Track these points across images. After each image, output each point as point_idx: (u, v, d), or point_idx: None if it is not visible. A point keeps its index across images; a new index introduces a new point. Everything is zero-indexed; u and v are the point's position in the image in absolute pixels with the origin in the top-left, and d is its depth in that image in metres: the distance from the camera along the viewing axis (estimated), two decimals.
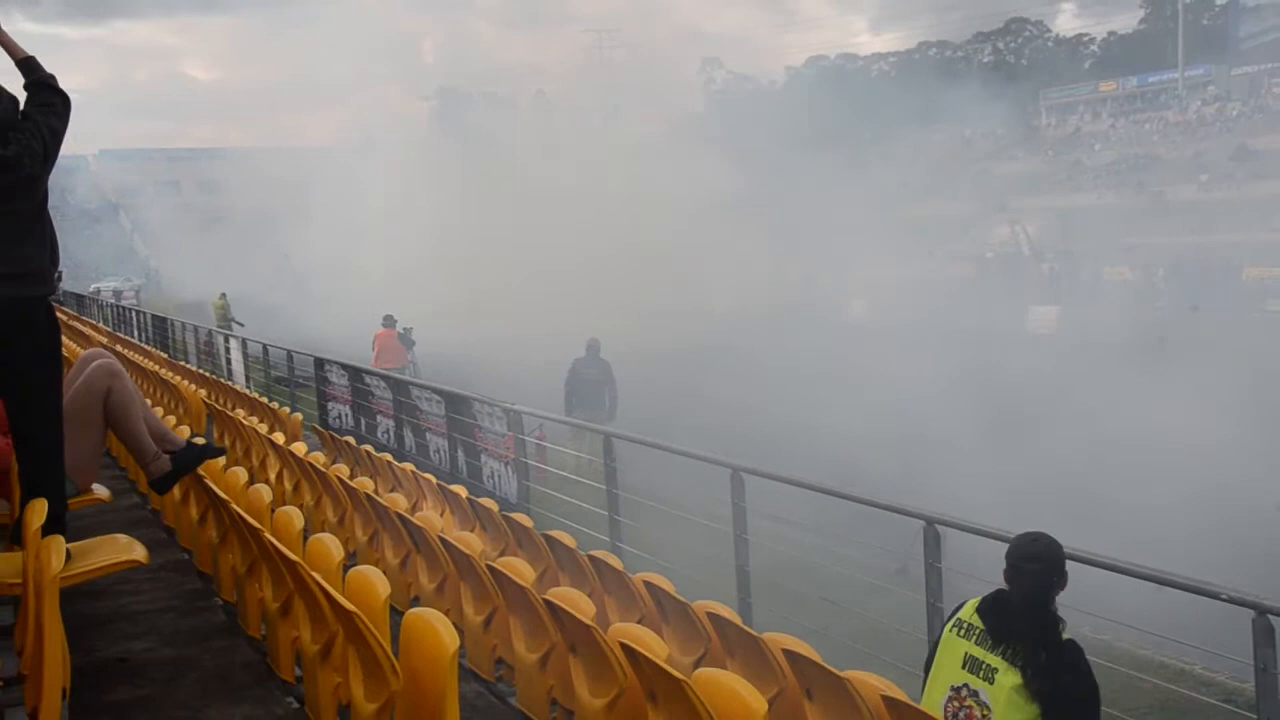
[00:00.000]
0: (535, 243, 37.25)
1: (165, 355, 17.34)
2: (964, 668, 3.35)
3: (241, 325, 26.20)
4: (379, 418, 12.87)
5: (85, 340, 15.00)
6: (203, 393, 10.76)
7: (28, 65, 3.75)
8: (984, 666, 3.31)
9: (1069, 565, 3.46)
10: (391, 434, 12.45)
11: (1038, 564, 3.37)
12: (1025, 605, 3.32)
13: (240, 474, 5.65)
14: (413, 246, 38.08)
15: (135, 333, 25.39)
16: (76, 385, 4.34)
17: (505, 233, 38.68)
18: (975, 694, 3.30)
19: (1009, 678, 3.24)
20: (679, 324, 28.79)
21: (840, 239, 46.47)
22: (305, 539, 4.48)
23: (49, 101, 3.73)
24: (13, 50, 3.77)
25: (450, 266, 35.75)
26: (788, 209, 49.69)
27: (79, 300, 35.93)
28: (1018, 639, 3.30)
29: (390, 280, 32.61)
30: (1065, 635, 3.27)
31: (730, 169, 49.53)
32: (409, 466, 8.03)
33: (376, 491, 6.66)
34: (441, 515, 6.65)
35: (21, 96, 3.78)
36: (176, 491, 5.90)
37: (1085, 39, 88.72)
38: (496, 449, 10.09)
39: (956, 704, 3.35)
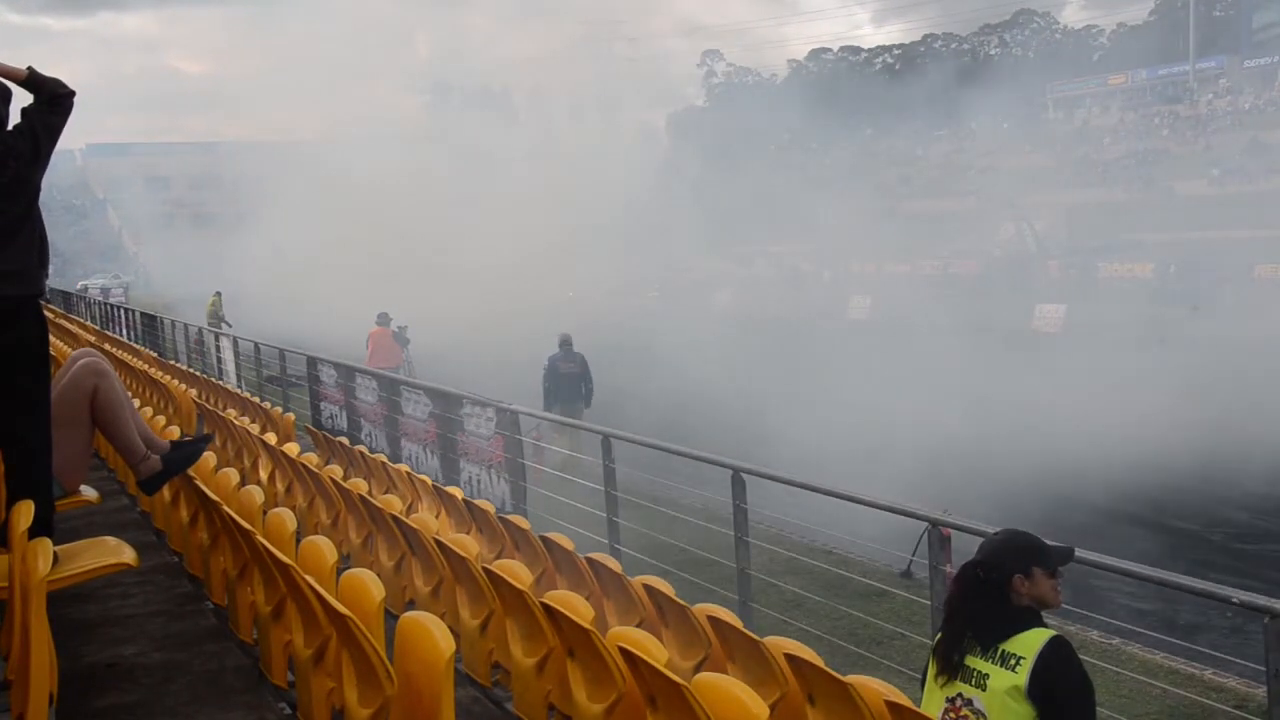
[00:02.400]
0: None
1: (154, 354, 17.25)
2: (957, 677, 3.32)
3: (230, 325, 26.14)
4: (366, 422, 12.81)
5: (73, 339, 14.90)
6: (193, 392, 10.68)
7: (34, 83, 3.69)
8: (975, 674, 3.28)
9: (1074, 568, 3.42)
10: (383, 435, 12.37)
11: (980, 556, 3.41)
12: (981, 602, 3.33)
13: (231, 475, 5.58)
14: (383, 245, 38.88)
15: (124, 331, 25.30)
16: (62, 385, 4.27)
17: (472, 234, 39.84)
18: (969, 702, 3.28)
19: (1000, 681, 3.20)
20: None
21: (841, 236, 47.05)
22: (298, 541, 4.41)
23: (50, 102, 3.67)
24: (12, 75, 3.70)
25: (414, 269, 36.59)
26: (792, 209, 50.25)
27: (66, 298, 35.79)
28: (982, 635, 3.30)
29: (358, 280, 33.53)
30: (1052, 632, 3.23)
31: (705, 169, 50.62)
32: (404, 467, 7.97)
33: (370, 493, 6.60)
34: (437, 517, 6.58)
35: (15, 90, 3.72)
36: (166, 493, 5.82)
37: (1094, 30, 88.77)
38: (480, 454, 9.96)
39: (953, 715, 3.32)
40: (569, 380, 14.87)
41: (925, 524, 5.22)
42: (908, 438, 15.57)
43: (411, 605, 5.44)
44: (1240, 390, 18.80)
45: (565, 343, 15.24)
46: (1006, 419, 17.50)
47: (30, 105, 3.70)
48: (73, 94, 3.74)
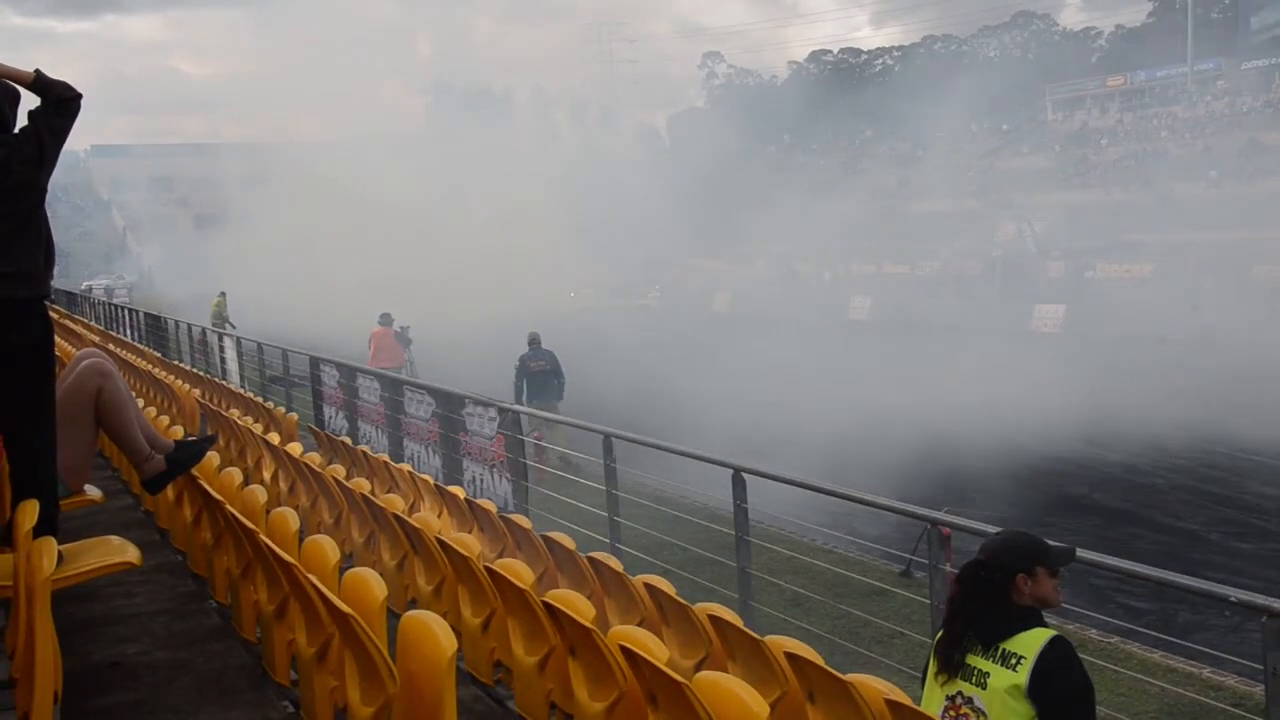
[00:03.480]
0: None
1: (159, 354, 17.27)
2: (958, 675, 3.33)
3: (234, 326, 26.18)
4: (364, 422, 12.84)
5: (77, 339, 14.92)
6: (196, 392, 10.70)
7: (41, 86, 3.68)
8: (976, 672, 3.30)
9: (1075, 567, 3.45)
10: (385, 435, 12.39)
11: (984, 555, 3.43)
12: (984, 601, 3.35)
13: (235, 475, 5.60)
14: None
15: (127, 331, 25.30)
16: (67, 385, 4.28)
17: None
18: (969, 700, 3.29)
19: (1000, 680, 3.22)
20: None
21: (842, 236, 47.15)
22: (301, 540, 4.43)
23: (56, 104, 3.67)
24: (19, 78, 3.70)
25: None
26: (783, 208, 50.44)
27: (70, 298, 35.80)
28: (983, 634, 3.32)
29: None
30: (1053, 632, 3.25)
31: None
32: (406, 467, 7.98)
33: (373, 492, 6.61)
34: (439, 516, 6.60)
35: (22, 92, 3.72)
36: (170, 493, 5.84)
37: (1092, 32, 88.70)
38: (482, 453, 9.99)
39: (953, 713, 3.33)
40: (541, 377, 15.26)
41: (925, 524, 5.24)
42: (815, 421, 17.33)
43: (414, 604, 5.45)
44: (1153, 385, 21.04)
45: (534, 341, 15.65)
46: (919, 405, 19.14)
47: (36, 108, 3.70)
48: (79, 96, 3.73)
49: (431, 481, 7.39)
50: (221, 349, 19.14)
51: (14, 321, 3.62)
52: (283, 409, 11.80)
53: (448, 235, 41.42)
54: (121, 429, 4.45)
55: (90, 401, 4.33)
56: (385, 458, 8.54)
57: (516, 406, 9.69)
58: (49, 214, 3.83)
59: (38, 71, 3.71)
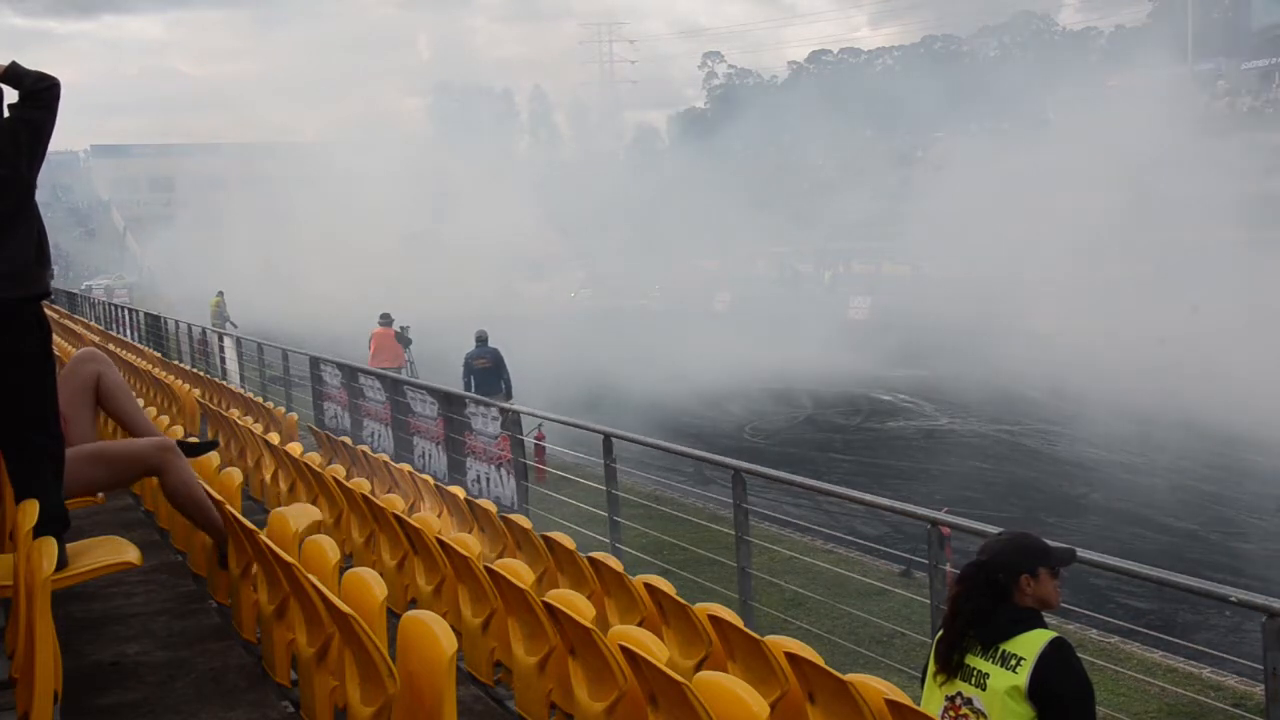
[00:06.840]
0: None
1: (159, 354, 17.27)
2: (957, 676, 3.33)
3: (235, 325, 26.20)
4: (370, 420, 12.85)
5: (77, 339, 14.93)
6: (196, 392, 10.70)
7: (12, 76, 3.58)
8: (975, 673, 3.29)
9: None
10: (387, 435, 12.41)
11: (987, 555, 3.42)
12: (986, 602, 3.34)
13: (235, 475, 5.59)
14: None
15: (128, 331, 25.29)
16: (65, 383, 4.24)
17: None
18: (969, 701, 3.29)
19: (1000, 681, 3.22)
20: None
21: (841, 236, 47.21)
22: (301, 540, 4.43)
23: (28, 96, 3.60)
24: None
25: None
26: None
27: (70, 298, 35.76)
28: (983, 634, 3.31)
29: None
30: (1053, 634, 3.25)
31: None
32: (406, 467, 7.99)
33: (373, 492, 6.61)
34: (439, 516, 6.60)
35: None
36: None
37: (1092, 32, 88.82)
38: (486, 453, 10.02)
39: (952, 713, 3.33)
40: (483, 374, 15.45)
41: (925, 523, 5.24)
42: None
43: (414, 604, 5.45)
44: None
45: (481, 339, 15.85)
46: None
47: (14, 101, 3.63)
48: (55, 85, 3.61)
49: (431, 481, 7.40)
50: (221, 349, 19.15)
51: (7, 324, 3.53)
52: (283, 409, 11.80)
53: (446, 235, 41.49)
54: (132, 412, 4.44)
55: (89, 395, 4.31)
56: (385, 457, 8.55)
57: (517, 406, 9.69)
58: (48, 215, 3.78)
59: (13, 63, 3.62)
